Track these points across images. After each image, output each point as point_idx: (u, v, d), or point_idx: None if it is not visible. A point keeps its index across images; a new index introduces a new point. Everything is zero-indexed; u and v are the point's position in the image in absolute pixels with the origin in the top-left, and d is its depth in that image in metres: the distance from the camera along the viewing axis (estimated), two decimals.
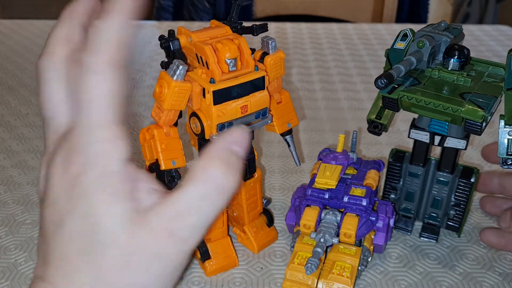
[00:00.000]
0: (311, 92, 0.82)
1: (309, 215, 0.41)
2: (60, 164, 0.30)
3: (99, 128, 0.29)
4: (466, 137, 0.42)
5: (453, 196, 0.46)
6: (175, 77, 0.35)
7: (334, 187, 0.43)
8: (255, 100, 0.38)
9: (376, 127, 0.44)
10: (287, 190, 0.56)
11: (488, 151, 0.50)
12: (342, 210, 0.42)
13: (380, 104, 0.42)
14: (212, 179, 0.29)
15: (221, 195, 0.29)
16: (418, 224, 0.49)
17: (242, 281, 0.43)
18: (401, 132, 0.68)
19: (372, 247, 0.44)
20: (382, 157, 0.62)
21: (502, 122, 0.38)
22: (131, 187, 0.29)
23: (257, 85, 0.37)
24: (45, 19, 1.23)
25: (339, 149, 0.46)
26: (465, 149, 0.42)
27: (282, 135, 0.44)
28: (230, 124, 0.37)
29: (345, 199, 0.42)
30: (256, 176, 0.43)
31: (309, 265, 0.37)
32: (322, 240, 0.39)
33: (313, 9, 2.11)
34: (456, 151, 0.44)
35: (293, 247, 0.44)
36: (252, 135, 0.42)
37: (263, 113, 0.39)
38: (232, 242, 0.44)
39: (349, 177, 0.45)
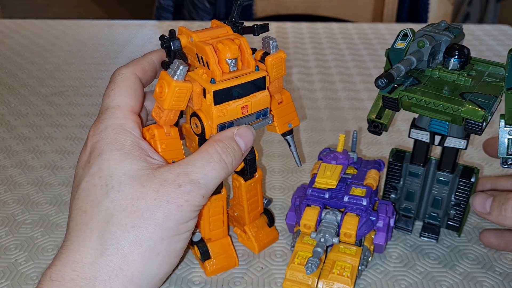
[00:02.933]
0: (312, 92, 0.82)
1: (310, 215, 0.41)
2: (85, 143, 0.36)
3: (116, 108, 0.36)
4: (467, 137, 0.42)
5: (453, 196, 0.46)
6: (175, 77, 0.35)
7: (334, 187, 0.43)
8: (256, 100, 0.38)
9: (376, 126, 0.44)
10: (287, 189, 0.55)
11: (488, 145, 0.49)
12: (342, 210, 0.42)
13: (380, 104, 0.42)
14: (214, 152, 0.35)
15: (221, 166, 0.35)
16: (419, 224, 0.49)
17: (242, 281, 0.43)
18: (401, 132, 0.68)
19: (372, 247, 0.44)
20: (382, 156, 0.61)
21: (502, 122, 0.38)
22: (143, 153, 0.35)
23: (258, 85, 0.37)
24: (45, 19, 1.23)
25: (340, 149, 0.46)
26: (466, 148, 0.42)
27: (283, 135, 0.44)
28: (230, 124, 0.37)
29: (346, 199, 0.42)
30: (257, 176, 0.43)
31: (309, 265, 0.37)
32: (322, 240, 0.39)
33: (313, 9, 2.11)
34: (456, 151, 0.44)
35: (293, 247, 0.44)
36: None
37: (263, 113, 0.39)
38: (232, 242, 0.44)
39: (350, 176, 0.45)
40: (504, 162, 0.39)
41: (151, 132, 0.38)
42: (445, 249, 0.47)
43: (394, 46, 0.40)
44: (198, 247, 0.42)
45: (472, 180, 0.44)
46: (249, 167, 0.42)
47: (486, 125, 0.37)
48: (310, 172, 0.52)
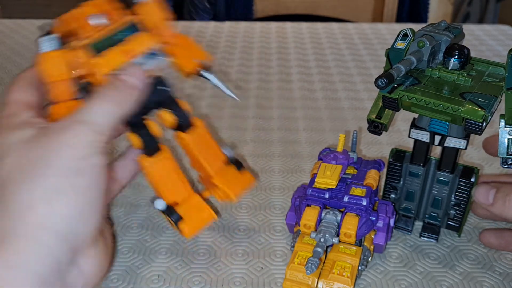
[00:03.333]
0: (311, 92, 0.82)
1: (309, 215, 0.41)
2: None
3: (7, 104, 0.37)
4: (467, 137, 0.42)
5: (453, 196, 0.46)
6: (44, 49, 0.37)
7: (334, 187, 0.43)
8: (137, 42, 0.38)
9: (376, 126, 0.44)
10: (287, 190, 0.55)
11: (487, 144, 0.49)
12: (342, 210, 0.42)
13: (380, 104, 0.42)
14: (100, 92, 0.36)
15: (108, 100, 0.36)
16: (418, 224, 0.49)
17: (242, 281, 0.43)
18: (401, 132, 0.68)
19: (372, 247, 0.44)
20: (382, 156, 0.62)
21: (502, 122, 0.38)
22: (33, 125, 0.35)
23: (135, 29, 0.38)
24: (45, 19, 1.23)
25: (339, 149, 0.46)
26: (466, 148, 0.42)
27: (197, 73, 0.42)
28: (121, 71, 0.38)
29: (345, 198, 0.42)
30: (197, 125, 0.42)
31: (309, 265, 0.37)
32: (322, 240, 0.39)
33: (313, 9, 2.11)
34: (456, 151, 0.44)
35: (293, 247, 0.44)
36: (168, 84, 0.41)
37: (153, 54, 0.39)
38: (206, 200, 0.43)
39: (349, 176, 0.45)
40: (504, 162, 0.39)
41: (52, 110, 0.38)
42: (445, 249, 0.47)
43: (394, 46, 0.40)
44: (166, 213, 0.41)
45: (472, 180, 0.44)
46: (179, 118, 0.41)
47: (486, 125, 0.37)
48: (310, 172, 0.52)
